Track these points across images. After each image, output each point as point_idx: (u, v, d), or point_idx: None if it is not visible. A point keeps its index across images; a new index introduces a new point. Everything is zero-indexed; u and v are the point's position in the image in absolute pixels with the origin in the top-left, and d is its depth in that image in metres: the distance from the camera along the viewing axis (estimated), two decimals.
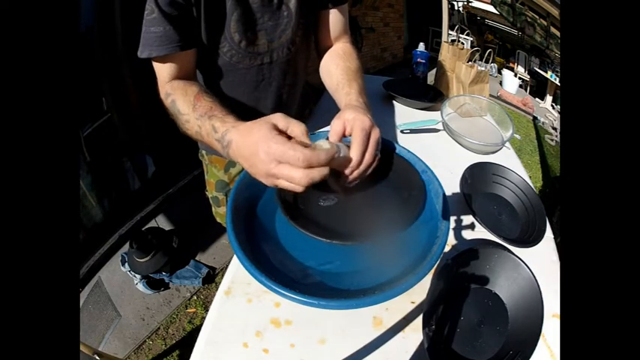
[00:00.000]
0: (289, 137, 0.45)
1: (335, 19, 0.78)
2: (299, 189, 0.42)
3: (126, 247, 1.67)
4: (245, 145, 0.46)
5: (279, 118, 0.45)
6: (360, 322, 0.55)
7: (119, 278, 1.62)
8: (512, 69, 4.12)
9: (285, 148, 0.41)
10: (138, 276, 1.58)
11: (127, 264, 1.61)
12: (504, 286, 0.57)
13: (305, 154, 0.40)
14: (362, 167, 0.49)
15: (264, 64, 0.74)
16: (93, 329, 1.45)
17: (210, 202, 1.00)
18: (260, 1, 0.65)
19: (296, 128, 0.45)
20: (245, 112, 0.82)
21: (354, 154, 0.48)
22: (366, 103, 0.61)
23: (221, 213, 0.99)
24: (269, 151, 0.42)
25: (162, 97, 0.66)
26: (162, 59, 0.63)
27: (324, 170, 0.42)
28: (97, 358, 1.06)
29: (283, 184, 0.43)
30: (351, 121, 0.51)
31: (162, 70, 0.65)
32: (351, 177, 0.49)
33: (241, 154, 0.47)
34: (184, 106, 0.60)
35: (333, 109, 0.78)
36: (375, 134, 0.51)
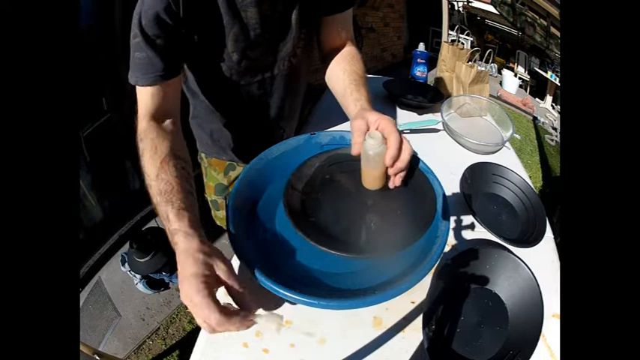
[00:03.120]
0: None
1: (339, 24, 0.75)
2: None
3: (126, 247, 1.67)
4: (181, 262, 0.45)
5: (213, 258, 0.45)
6: (360, 322, 0.55)
7: (119, 278, 1.61)
8: (512, 69, 4.12)
9: (204, 303, 0.40)
10: (138, 276, 1.57)
11: (127, 264, 1.60)
12: (504, 286, 0.57)
13: (213, 320, 0.40)
14: (401, 163, 0.50)
15: (266, 79, 0.72)
16: (93, 329, 1.45)
17: (210, 205, 0.99)
18: (259, 17, 0.63)
19: (222, 265, 0.45)
20: (247, 122, 0.81)
21: (394, 146, 0.49)
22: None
23: (220, 216, 0.98)
24: (190, 291, 0.41)
25: (137, 131, 0.60)
26: (145, 89, 0.59)
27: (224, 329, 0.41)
28: (97, 358, 1.06)
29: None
30: (375, 121, 0.52)
31: (144, 99, 0.60)
32: (396, 173, 0.51)
33: (179, 261, 0.45)
34: (150, 168, 0.55)
35: (333, 110, 0.78)
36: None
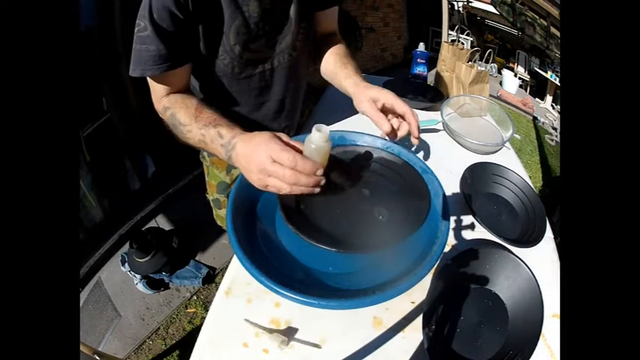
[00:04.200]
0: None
1: (328, 17, 0.81)
2: (285, 188, 0.47)
3: (126, 247, 1.67)
4: (248, 145, 0.51)
5: (282, 135, 0.52)
6: (360, 322, 0.55)
7: (119, 278, 1.61)
8: (512, 69, 4.12)
9: (281, 149, 0.47)
10: (138, 276, 1.57)
11: (127, 264, 1.61)
12: (504, 286, 0.57)
13: (295, 158, 0.46)
14: (415, 125, 0.62)
15: (266, 70, 0.74)
16: (93, 329, 1.45)
17: (211, 204, 0.99)
18: (260, 10, 0.64)
19: (295, 143, 0.51)
20: (247, 118, 0.82)
21: (408, 112, 0.62)
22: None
23: (222, 215, 0.98)
24: (268, 149, 0.48)
25: (159, 110, 0.67)
26: (156, 77, 0.63)
27: (310, 180, 0.47)
28: (97, 358, 1.06)
29: (272, 181, 0.48)
30: (379, 98, 0.64)
31: (157, 87, 0.65)
32: (415, 134, 0.63)
33: (243, 154, 0.52)
34: (185, 118, 0.61)
35: (333, 110, 0.79)
36: None
